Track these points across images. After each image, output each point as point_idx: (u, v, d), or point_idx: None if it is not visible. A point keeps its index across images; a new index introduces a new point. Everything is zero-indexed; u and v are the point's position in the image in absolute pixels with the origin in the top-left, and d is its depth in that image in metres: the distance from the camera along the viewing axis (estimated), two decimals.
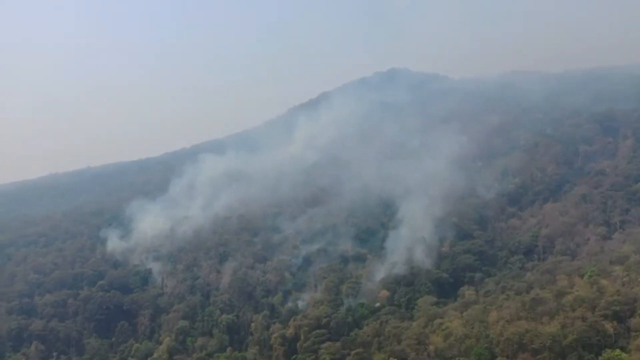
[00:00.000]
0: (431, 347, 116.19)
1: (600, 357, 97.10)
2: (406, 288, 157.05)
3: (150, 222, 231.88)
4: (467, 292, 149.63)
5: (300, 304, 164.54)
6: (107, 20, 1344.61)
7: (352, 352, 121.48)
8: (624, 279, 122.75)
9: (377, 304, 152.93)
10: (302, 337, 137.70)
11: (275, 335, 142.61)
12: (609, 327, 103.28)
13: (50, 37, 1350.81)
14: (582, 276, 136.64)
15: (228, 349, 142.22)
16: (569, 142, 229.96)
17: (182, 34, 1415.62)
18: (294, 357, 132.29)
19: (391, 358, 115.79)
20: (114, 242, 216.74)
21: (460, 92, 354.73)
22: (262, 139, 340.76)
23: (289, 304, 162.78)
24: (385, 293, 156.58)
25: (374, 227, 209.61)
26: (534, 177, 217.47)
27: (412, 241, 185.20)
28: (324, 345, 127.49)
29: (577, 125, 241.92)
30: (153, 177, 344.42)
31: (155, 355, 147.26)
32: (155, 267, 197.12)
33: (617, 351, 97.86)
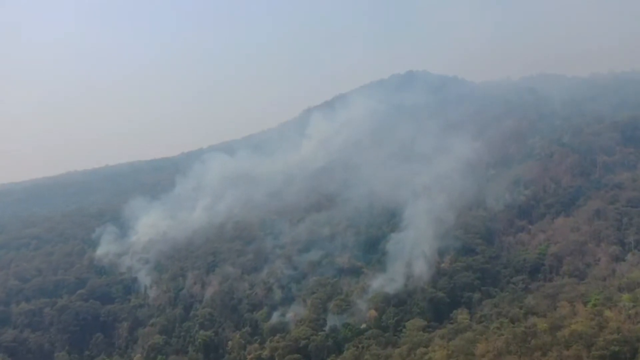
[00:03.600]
0: None
1: None
2: (396, 309, 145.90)
3: (146, 225, 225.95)
4: (460, 316, 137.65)
5: (284, 321, 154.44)
6: (125, 16, 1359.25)
7: None
8: (630, 311, 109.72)
9: (363, 325, 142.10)
10: None
11: (250, 356, 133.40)
12: None
13: (67, 33, 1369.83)
14: (585, 303, 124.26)
15: None
16: (587, 151, 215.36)
17: (199, 34, 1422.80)
18: None
19: None
20: (104, 247, 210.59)
21: (479, 96, 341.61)
22: (275, 141, 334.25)
23: (272, 321, 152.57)
24: (373, 313, 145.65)
25: (375, 237, 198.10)
26: (547, 188, 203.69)
27: (411, 255, 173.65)
28: None
29: (597, 134, 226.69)
30: (164, 178, 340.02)
31: None
32: (141, 275, 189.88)
33: None
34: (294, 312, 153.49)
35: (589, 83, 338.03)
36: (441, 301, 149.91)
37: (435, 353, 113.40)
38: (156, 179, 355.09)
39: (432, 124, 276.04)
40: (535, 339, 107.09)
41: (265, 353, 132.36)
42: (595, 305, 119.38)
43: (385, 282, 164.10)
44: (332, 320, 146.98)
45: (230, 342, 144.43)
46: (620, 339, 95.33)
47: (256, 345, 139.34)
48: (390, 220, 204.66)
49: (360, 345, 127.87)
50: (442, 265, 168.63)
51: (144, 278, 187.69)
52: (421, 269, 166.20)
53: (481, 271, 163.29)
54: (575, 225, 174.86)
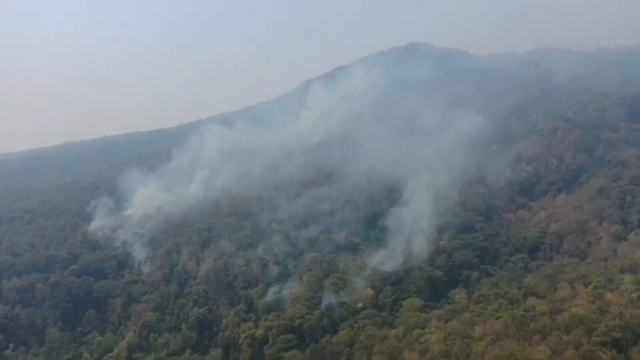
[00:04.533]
0: None
1: None
2: (393, 287, 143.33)
3: (141, 199, 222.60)
4: (458, 295, 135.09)
5: (279, 298, 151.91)
6: None
7: None
8: (632, 295, 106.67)
9: (359, 304, 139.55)
10: (270, 340, 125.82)
11: (244, 335, 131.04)
12: (606, 357, 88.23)
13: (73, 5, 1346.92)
14: (586, 285, 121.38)
15: (187, 351, 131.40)
16: (591, 127, 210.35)
17: (198, 7, 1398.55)
18: None
19: None
20: (98, 221, 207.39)
21: (482, 70, 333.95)
22: (273, 113, 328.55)
23: (267, 298, 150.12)
24: (369, 292, 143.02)
25: (373, 213, 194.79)
26: (549, 165, 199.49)
27: (410, 232, 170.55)
28: (288, 354, 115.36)
29: (602, 110, 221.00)
30: (160, 150, 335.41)
31: (114, 352, 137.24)
32: (135, 250, 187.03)
33: None
34: (290, 290, 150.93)
35: (595, 58, 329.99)
36: (439, 280, 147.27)
37: (431, 335, 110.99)
38: (153, 150, 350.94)
39: (434, 98, 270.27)
40: (534, 323, 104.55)
41: (260, 332, 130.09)
42: (596, 287, 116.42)
43: (383, 260, 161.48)
44: (328, 299, 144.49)
45: (224, 320, 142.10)
46: (622, 325, 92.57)
47: (250, 323, 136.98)
48: (389, 196, 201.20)
49: (355, 325, 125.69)
50: (441, 242, 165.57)
51: (138, 253, 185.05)
52: (419, 246, 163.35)
53: (480, 249, 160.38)
54: (577, 203, 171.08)
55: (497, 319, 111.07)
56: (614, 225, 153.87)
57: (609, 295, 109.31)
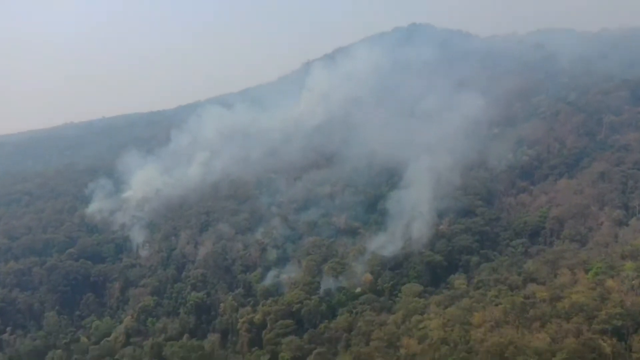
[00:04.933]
0: (402, 352, 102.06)
1: None
2: (392, 272, 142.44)
3: (140, 182, 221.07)
4: (457, 281, 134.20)
5: (278, 282, 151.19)
6: None
7: (314, 352, 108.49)
8: (633, 281, 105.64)
9: (358, 289, 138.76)
10: (268, 326, 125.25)
11: (242, 319, 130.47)
12: (607, 345, 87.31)
13: None
14: (587, 271, 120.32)
15: (185, 336, 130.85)
16: (594, 111, 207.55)
17: None
18: (254, 349, 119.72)
19: None
20: (96, 204, 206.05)
21: (484, 52, 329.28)
22: (273, 95, 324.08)
23: (266, 283, 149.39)
24: (368, 277, 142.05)
25: (373, 197, 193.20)
26: (551, 148, 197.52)
27: (409, 216, 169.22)
28: (286, 340, 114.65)
29: (605, 93, 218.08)
30: (159, 132, 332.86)
31: (111, 337, 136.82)
32: (133, 234, 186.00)
33: None
34: (288, 275, 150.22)
35: (599, 39, 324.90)
36: (438, 265, 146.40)
37: (430, 321, 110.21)
38: (151, 132, 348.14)
39: (435, 81, 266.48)
40: (534, 310, 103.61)
41: (258, 317, 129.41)
42: (597, 273, 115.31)
43: (382, 244, 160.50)
44: (327, 284, 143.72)
45: (222, 305, 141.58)
46: (623, 313, 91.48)
47: (248, 308, 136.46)
48: (389, 179, 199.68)
49: (354, 311, 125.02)
50: (441, 227, 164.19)
51: (136, 237, 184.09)
52: (419, 230, 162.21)
53: (480, 234, 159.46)
54: (578, 187, 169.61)
55: (496, 305, 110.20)
56: (616, 210, 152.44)
57: (609, 282, 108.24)
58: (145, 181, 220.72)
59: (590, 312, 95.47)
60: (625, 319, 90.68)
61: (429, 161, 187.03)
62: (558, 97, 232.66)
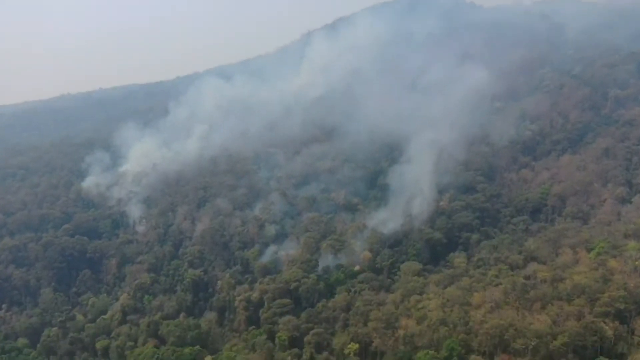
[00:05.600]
0: (400, 332, 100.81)
1: None
2: (391, 250, 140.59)
3: (137, 155, 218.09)
4: (457, 259, 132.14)
5: (275, 259, 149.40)
6: None
7: (312, 332, 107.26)
8: (636, 262, 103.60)
9: (357, 267, 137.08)
10: (265, 304, 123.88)
11: (239, 297, 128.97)
12: (609, 328, 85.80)
13: None
14: (589, 250, 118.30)
15: (182, 314, 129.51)
16: (599, 84, 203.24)
17: None
18: (251, 328, 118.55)
19: (352, 343, 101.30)
20: (93, 178, 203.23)
21: (489, 22, 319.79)
22: (273, 66, 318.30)
23: (263, 260, 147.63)
24: (367, 255, 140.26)
25: (373, 172, 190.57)
26: (554, 123, 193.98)
27: (409, 192, 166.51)
28: (283, 319, 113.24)
29: (611, 66, 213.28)
30: (157, 104, 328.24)
31: (108, 314, 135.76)
32: (130, 209, 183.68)
33: None
34: (286, 252, 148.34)
35: (606, 9, 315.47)
36: (438, 242, 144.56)
37: (429, 302, 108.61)
38: (150, 104, 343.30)
39: (439, 53, 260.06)
40: (534, 290, 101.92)
41: (255, 295, 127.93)
42: (599, 253, 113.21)
43: (382, 221, 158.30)
44: (325, 261, 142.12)
45: (219, 282, 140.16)
46: (626, 296, 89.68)
47: (246, 286, 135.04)
48: (390, 154, 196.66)
49: (352, 290, 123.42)
50: (441, 203, 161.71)
51: (133, 212, 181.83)
52: (419, 207, 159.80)
53: (481, 210, 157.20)
54: (581, 163, 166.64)
55: (496, 285, 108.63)
56: (619, 187, 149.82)
57: (612, 263, 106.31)
58: (143, 155, 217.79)
59: (592, 294, 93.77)
60: (628, 302, 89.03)
61: (430, 136, 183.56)
62: (563, 70, 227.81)
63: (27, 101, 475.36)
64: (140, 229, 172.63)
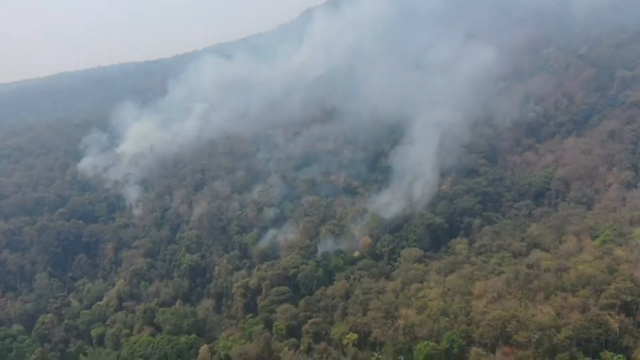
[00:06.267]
0: (400, 322, 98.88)
1: None
2: (391, 235, 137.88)
3: (134, 136, 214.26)
4: (459, 245, 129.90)
5: (274, 243, 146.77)
6: None
7: (310, 321, 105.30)
8: None
9: (356, 254, 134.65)
10: (263, 291, 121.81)
11: (237, 284, 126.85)
12: (614, 321, 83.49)
13: None
14: (594, 238, 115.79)
15: (178, 302, 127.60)
16: (605, 65, 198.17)
17: None
18: (249, 315, 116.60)
19: (350, 333, 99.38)
20: (89, 159, 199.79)
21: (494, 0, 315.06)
22: (273, 44, 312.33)
23: (262, 245, 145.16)
24: (367, 240, 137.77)
25: (374, 154, 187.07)
26: (559, 104, 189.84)
27: (411, 175, 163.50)
28: (280, 308, 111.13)
29: (618, 45, 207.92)
30: (156, 83, 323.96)
31: (103, 301, 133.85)
32: (127, 192, 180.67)
33: (619, 357, 79.15)
34: (285, 236, 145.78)
35: None
36: (439, 227, 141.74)
37: (430, 290, 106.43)
38: (148, 83, 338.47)
39: (443, 31, 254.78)
40: (538, 280, 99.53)
41: (253, 281, 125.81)
42: (604, 241, 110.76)
43: (382, 206, 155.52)
44: (324, 246, 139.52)
45: (217, 268, 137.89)
46: (633, 288, 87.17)
47: (244, 272, 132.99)
48: (391, 135, 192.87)
49: (351, 277, 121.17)
50: (442, 187, 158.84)
51: (130, 195, 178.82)
52: (420, 191, 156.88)
53: (483, 194, 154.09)
54: (586, 146, 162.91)
55: (498, 274, 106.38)
56: (625, 171, 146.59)
57: (618, 251, 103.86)
58: (140, 135, 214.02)
59: (597, 285, 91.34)
60: (634, 294, 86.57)
61: (432, 117, 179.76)
62: (568, 50, 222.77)
63: (25, 79, 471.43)
64: (137, 212, 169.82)
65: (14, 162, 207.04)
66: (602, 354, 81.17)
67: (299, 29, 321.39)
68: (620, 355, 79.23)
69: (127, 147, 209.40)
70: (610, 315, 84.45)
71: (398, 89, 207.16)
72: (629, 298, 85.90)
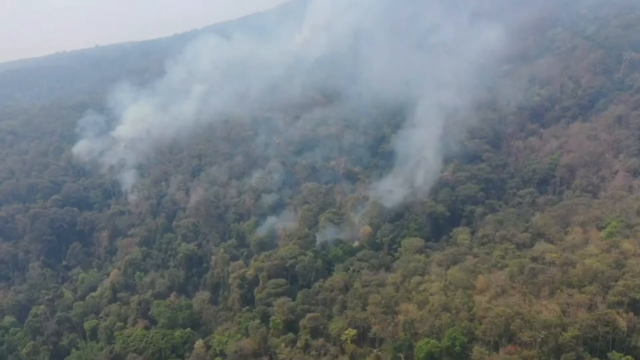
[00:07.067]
0: (400, 318, 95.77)
1: None
2: (392, 224, 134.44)
3: (130, 120, 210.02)
4: (461, 235, 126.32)
5: (272, 231, 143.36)
6: None
7: (308, 315, 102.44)
8: None
9: (356, 244, 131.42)
10: (260, 283, 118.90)
11: (234, 275, 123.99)
12: (622, 320, 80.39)
13: None
14: (600, 229, 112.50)
15: (173, 293, 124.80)
16: (613, 46, 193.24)
17: None
18: (246, 308, 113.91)
19: (349, 329, 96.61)
20: (85, 143, 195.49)
21: None
22: (272, 24, 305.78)
23: (259, 233, 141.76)
24: (367, 229, 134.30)
25: (375, 139, 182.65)
26: (565, 88, 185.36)
27: (412, 161, 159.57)
28: (278, 301, 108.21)
29: (627, 26, 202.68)
30: (154, 63, 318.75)
31: (97, 292, 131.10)
32: (122, 178, 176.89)
33: (627, 358, 76.28)
34: (283, 225, 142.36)
35: None
36: (441, 216, 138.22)
37: (431, 284, 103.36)
38: (145, 64, 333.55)
39: (446, 11, 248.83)
40: (543, 275, 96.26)
41: (250, 272, 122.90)
42: (611, 233, 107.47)
43: (383, 193, 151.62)
44: (323, 235, 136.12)
45: (214, 257, 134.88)
46: None
47: (241, 262, 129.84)
48: (392, 119, 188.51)
49: (351, 268, 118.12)
50: (444, 174, 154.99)
51: (126, 181, 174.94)
52: (422, 178, 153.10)
53: (486, 182, 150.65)
54: (592, 132, 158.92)
55: (502, 268, 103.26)
56: (632, 158, 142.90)
57: (625, 244, 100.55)
58: (137, 119, 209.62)
59: (605, 280, 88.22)
60: None
61: (435, 100, 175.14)
62: (575, 31, 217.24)
63: (22, 59, 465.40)
64: (133, 198, 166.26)
65: (7, 146, 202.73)
66: (609, 354, 78.03)
67: (300, 8, 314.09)
68: (629, 356, 76.12)
69: (124, 130, 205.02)
70: (618, 313, 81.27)
71: (401, 71, 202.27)
72: (637, 296, 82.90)
